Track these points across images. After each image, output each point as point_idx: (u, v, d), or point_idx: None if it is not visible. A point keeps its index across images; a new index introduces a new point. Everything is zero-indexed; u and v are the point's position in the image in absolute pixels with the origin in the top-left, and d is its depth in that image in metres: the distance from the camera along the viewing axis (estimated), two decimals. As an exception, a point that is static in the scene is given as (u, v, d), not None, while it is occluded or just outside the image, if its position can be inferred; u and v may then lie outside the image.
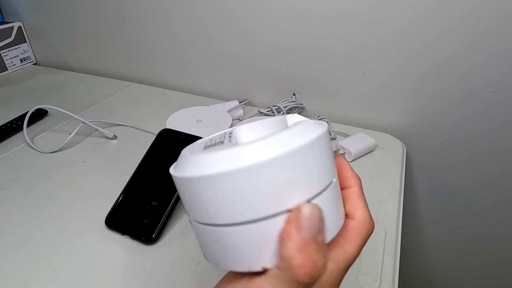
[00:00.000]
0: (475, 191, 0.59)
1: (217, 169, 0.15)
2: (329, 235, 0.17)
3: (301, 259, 0.15)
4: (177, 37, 0.69)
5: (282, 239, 0.15)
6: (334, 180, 0.17)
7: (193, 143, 0.20)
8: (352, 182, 0.20)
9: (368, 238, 0.19)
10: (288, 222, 0.15)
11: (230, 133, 0.19)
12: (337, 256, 0.17)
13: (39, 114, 0.62)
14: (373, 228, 0.19)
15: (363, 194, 0.20)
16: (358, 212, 0.19)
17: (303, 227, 0.15)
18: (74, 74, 0.83)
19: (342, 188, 0.20)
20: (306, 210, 0.15)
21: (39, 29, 0.85)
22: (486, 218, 0.61)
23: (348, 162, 0.21)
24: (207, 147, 0.18)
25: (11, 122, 0.59)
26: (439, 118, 0.55)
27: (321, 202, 0.16)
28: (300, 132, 0.16)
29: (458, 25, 0.47)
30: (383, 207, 0.43)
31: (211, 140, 0.20)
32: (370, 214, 0.19)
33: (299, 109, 0.63)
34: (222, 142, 0.18)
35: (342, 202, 0.19)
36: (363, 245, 0.18)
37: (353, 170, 0.20)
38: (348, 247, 0.18)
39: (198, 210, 0.16)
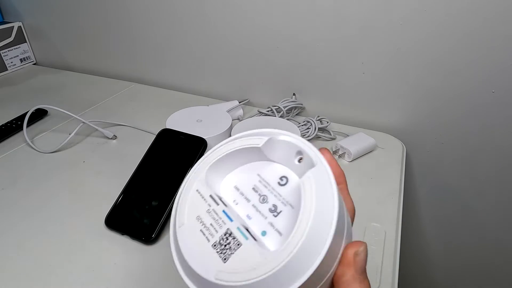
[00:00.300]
0: (475, 191, 0.59)
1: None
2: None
3: None
4: (177, 37, 0.69)
5: (346, 282, 0.16)
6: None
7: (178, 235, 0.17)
8: (341, 179, 0.20)
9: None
10: (347, 266, 0.16)
11: (229, 223, 0.17)
12: None
13: (39, 114, 0.62)
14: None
15: (347, 187, 0.21)
16: (349, 206, 0.20)
17: (361, 268, 0.16)
18: (74, 74, 0.83)
19: None
20: (363, 254, 0.16)
21: (39, 29, 0.85)
22: (486, 217, 0.61)
23: (333, 156, 0.21)
24: (215, 245, 0.16)
25: (11, 122, 0.59)
26: (439, 118, 0.55)
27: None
28: (320, 206, 0.15)
29: (458, 25, 0.47)
30: (383, 207, 0.43)
31: (207, 229, 0.17)
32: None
33: (299, 109, 0.64)
34: (231, 236, 0.16)
35: None
36: None
37: (340, 166, 0.20)
38: None
39: None
